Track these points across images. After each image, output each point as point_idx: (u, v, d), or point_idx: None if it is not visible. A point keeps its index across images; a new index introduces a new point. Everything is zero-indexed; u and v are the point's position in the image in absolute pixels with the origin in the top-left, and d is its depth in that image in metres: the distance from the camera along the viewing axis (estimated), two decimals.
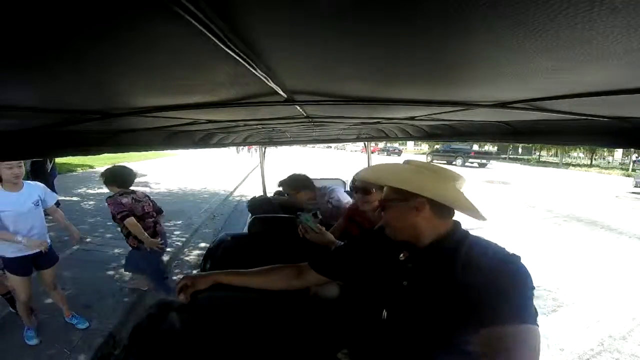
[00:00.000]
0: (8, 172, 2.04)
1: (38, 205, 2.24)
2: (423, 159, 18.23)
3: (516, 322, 0.67)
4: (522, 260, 0.76)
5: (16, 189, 2.12)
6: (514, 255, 0.78)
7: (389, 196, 0.91)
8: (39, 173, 5.55)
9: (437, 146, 20.03)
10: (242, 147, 20.08)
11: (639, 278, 4.00)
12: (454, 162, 17.42)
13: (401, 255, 0.91)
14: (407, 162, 0.96)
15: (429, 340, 0.80)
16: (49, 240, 2.33)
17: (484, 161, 17.52)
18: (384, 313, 0.88)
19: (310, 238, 1.59)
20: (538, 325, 0.69)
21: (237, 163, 16.23)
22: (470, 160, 17.47)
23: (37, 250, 2.24)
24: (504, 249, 0.80)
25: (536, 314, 0.70)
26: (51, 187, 6.62)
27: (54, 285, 2.48)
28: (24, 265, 2.20)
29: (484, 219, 0.87)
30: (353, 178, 1.68)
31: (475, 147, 17.54)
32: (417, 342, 0.81)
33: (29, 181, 2.28)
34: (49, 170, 5.97)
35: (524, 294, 0.71)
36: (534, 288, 0.73)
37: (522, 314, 0.68)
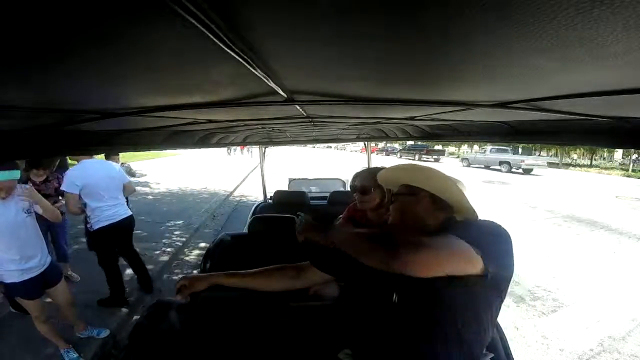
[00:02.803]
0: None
1: (30, 212, 2.03)
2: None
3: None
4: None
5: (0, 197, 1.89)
6: (496, 224, 0.90)
7: (400, 191, 1.06)
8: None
9: (407, 144, 24.84)
10: (233, 148, 20.05)
11: (639, 278, 4.00)
12: (412, 158, 22.44)
13: None
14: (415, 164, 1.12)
15: (430, 315, 0.84)
16: (49, 257, 2.18)
17: (436, 156, 22.90)
18: (395, 297, 0.91)
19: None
20: (480, 256, 0.77)
21: (232, 165, 16.21)
22: (425, 157, 22.41)
23: (43, 268, 2.08)
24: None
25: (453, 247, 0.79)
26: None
27: (67, 301, 2.31)
28: (33, 287, 2.04)
29: (475, 215, 0.99)
30: (353, 177, 1.69)
31: (437, 147, 23.66)
32: (424, 321, 0.84)
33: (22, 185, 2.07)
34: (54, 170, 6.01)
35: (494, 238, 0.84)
36: (511, 244, 0.85)
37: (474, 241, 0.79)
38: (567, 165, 22.40)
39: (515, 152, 18.76)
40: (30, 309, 2.11)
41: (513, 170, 16.46)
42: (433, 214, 0.98)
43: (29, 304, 2.07)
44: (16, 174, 1.92)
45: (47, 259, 2.15)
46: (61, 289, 2.26)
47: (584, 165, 21.93)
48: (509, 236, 0.87)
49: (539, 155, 25.72)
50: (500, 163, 17.11)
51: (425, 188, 0.99)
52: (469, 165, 19.18)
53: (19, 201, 2.00)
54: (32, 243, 2.05)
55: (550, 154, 27.21)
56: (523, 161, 16.30)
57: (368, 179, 1.55)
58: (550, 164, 19.26)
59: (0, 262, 1.96)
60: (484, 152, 18.54)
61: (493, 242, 0.83)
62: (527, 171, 16.42)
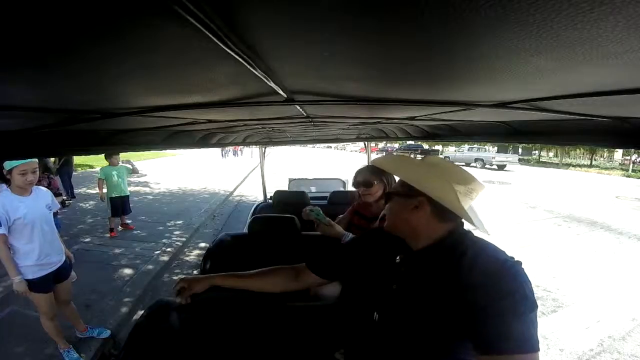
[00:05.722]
0: (21, 179, 1.93)
1: (51, 209, 2.16)
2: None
3: (521, 352, 0.63)
4: (523, 266, 0.72)
5: (26, 193, 2.02)
6: (513, 259, 0.73)
7: (396, 188, 0.91)
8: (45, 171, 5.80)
9: (403, 143, 25.32)
10: (228, 150, 19.89)
11: (639, 278, 4.00)
12: None
13: (398, 257, 0.90)
14: (425, 157, 0.94)
15: (418, 345, 0.77)
16: (65, 250, 2.25)
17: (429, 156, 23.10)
18: (375, 315, 0.88)
19: (320, 231, 1.70)
20: (539, 350, 0.64)
21: (230, 166, 16.19)
22: (419, 156, 21.46)
23: (59, 265, 2.16)
24: (504, 252, 0.76)
25: (536, 336, 0.65)
26: (68, 185, 6.80)
27: (68, 300, 2.37)
28: (47, 282, 2.10)
29: (486, 232, 0.83)
30: (355, 174, 1.78)
31: (425, 146, 24.20)
32: (406, 347, 0.80)
33: (37, 185, 2.16)
34: (57, 168, 6.20)
35: (525, 313, 0.66)
36: (535, 306, 0.68)
37: (526, 342, 0.64)
38: (567, 165, 22.42)
39: (502, 150, 20.19)
40: (39, 304, 2.12)
41: (487, 166, 18.08)
42: (430, 226, 0.82)
43: (40, 298, 2.09)
44: (34, 159, 2.02)
45: (62, 256, 2.22)
46: (67, 286, 2.30)
47: (584, 165, 21.93)
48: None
49: (538, 153, 26.56)
50: (476, 160, 18.72)
51: (424, 191, 0.80)
52: None
53: (40, 197, 2.11)
54: (53, 239, 2.15)
55: (551, 154, 27.37)
56: (494, 158, 18.08)
57: (369, 173, 1.71)
58: (521, 160, 21.06)
59: (19, 256, 2.00)
60: (462, 151, 20.25)
61: None
62: (501, 167, 18.11)
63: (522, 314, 0.65)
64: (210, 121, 1.15)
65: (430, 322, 0.75)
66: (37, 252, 2.02)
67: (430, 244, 0.83)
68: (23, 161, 1.91)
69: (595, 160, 23.77)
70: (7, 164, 1.91)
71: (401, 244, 0.90)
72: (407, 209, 0.84)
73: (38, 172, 2.05)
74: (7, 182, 1.98)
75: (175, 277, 3.75)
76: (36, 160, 2.02)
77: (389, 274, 0.89)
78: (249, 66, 0.40)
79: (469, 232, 0.84)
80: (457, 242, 0.80)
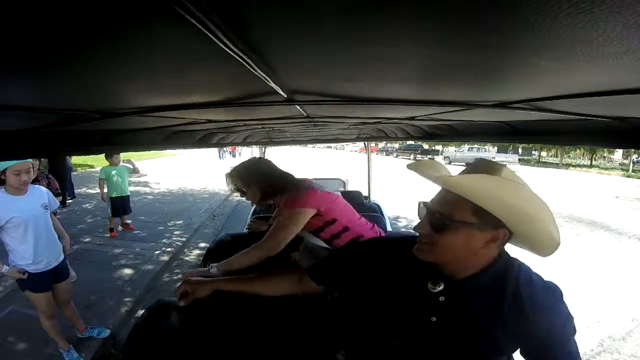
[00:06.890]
0: (15, 179, 1.91)
1: (47, 208, 2.13)
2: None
3: None
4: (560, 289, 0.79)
5: (21, 193, 2.00)
6: (554, 286, 0.78)
7: (463, 217, 0.68)
8: (58, 168, 5.84)
9: (403, 144, 25.71)
10: (225, 151, 19.76)
11: (639, 278, 4.00)
12: (408, 158, 23.59)
13: (430, 284, 0.77)
14: (486, 163, 0.75)
15: None
16: (62, 255, 2.23)
17: (430, 156, 23.48)
18: (395, 342, 0.82)
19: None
20: None
21: (227, 168, 16.08)
22: (419, 156, 23.99)
23: (57, 263, 2.14)
24: (542, 278, 0.79)
25: None
26: (70, 182, 6.85)
27: (68, 300, 2.35)
28: (44, 280, 2.09)
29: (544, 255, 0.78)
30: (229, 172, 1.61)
31: (425, 146, 24.91)
32: None
33: (34, 185, 2.15)
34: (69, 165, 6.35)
35: (574, 337, 0.74)
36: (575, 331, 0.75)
37: None
38: (567, 165, 22.43)
39: (502, 150, 20.91)
40: (37, 304, 2.11)
41: None
42: (488, 254, 0.72)
43: (37, 297, 2.08)
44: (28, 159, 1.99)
45: (60, 256, 2.21)
46: (66, 285, 2.29)
47: (584, 166, 21.94)
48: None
49: (538, 153, 26.95)
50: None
51: (509, 224, 0.66)
52: (450, 163, 20.70)
53: (37, 196, 2.09)
54: (49, 238, 2.13)
55: (550, 154, 27.45)
56: (494, 158, 18.09)
57: (235, 181, 1.57)
58: (521, 160, 21.77)
59: (15, 255, 2.00)
60: (462, 151, 20.86)
61: None
62: None
63: (572, 337, 0.74)
64: (210, 121, 1.15)
65: (480, 356, 0.75)
66: (32, 251, 2.01)
67: (478, 271, 0.73)
68: (17, 161, 1.89)
69: (595, 160, 23.78)
70: (1, 165, 1.89)
71: (430, 268, 0.77)
72: (479, 242, 0.68)
73: (32, 172, 2.02)
74: (2, 182, 1.96)
75: (175, 277, 3.75)
76: (30, 160, 2.00)
77: (421, 303, 0.78)
78: (248, 66, 0.40)
79: (506, 252, 0.77)
80: (505, 268, 0.74)
